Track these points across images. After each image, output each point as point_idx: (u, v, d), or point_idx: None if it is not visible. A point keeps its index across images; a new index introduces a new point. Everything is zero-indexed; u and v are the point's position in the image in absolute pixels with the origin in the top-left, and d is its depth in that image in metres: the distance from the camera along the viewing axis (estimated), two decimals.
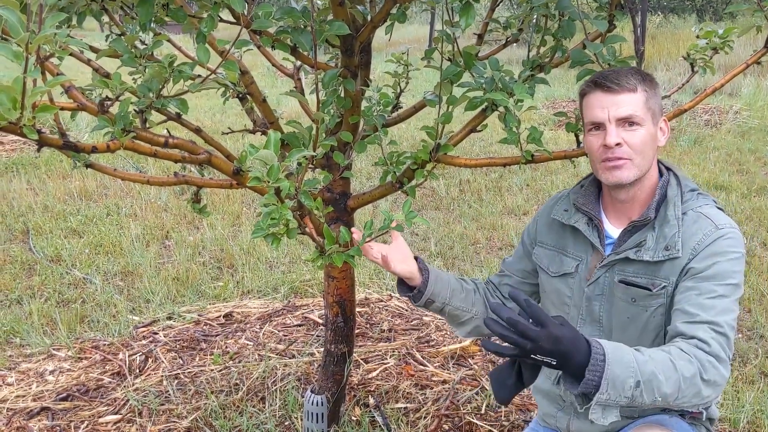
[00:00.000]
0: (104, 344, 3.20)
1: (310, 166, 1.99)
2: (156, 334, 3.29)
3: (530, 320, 1.29)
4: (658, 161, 1.69)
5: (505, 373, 1.44)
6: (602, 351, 1.32)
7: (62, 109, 1.53)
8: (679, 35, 14.41)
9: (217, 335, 3.26)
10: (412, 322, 3.40)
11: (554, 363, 1.30)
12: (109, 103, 1.51)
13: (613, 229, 1.70)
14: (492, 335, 1.37)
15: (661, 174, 1.68)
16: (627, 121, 1.56)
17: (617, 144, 1.56)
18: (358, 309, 3.44)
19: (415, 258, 1.76)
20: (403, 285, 1.80)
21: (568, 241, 1.76)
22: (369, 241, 1.60)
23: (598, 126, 1.60)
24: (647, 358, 1.36)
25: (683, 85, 2.20)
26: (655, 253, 1.58)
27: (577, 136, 1.97)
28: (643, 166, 1.59)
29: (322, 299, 3.64)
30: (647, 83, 1.59)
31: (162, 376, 2.87)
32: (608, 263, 1.66)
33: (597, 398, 1.31)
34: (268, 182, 1.19)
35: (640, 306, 1.62)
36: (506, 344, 1.30)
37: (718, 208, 1.62)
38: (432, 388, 2.75)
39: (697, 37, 1.94)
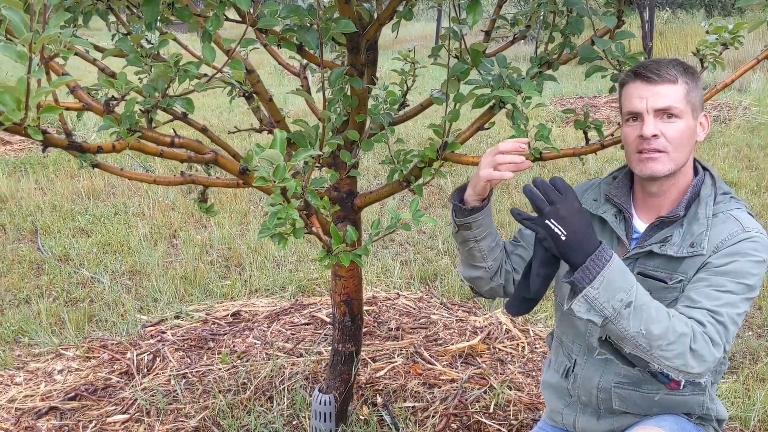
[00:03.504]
0: (112, 343, 3.20)
1: (317, 164, 1.98)
2: (164, 333, 3.29)
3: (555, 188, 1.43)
4: (696, 160, 1.67)
5: (519, 287, 1.58)
6: (610, 254, 1.39)
7: (68, 109, 1.53)
8: (687, 31, 14.33)
9: (224, 334, 3.26)
10: (419, 320, 3.39)
11: (564, 237, 1.39)
12: (114, 102, 1.50)
13: (640, 224, 1.69)
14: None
15: (696, 172, 1.66)
16: (665, 113, 1.54)
17: (654, 135, 1.54)
18: (365, 307, 3.43)
19: None
20: (459, 194, 1.71)
21: (595, 230, 1.75)
22: (377, 240, 1.59)
23: (636, 116, 1.57)
24: (648, 295, 1.41)
25: None
26: (679, 249, 1.57)
27: (585, 133, 1.96)
28: (679, 159, 1.57)
29: (329, 298, 3.64)
30: (689, 75, 1.56)
31: (170, 375, 2.87)
32: (632, 256, 1.65)
33: (587, 291, 1.36)
34: (275, 182, 1.19)
35: (655, 299, 1.60)
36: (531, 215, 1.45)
37: (749, 214, 1.61)
38: (440, 387, 2.74)
39: (707, 32, 1.92)
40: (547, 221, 1.40)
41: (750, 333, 3.31)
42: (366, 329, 3.23)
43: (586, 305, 1.36)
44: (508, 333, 3.25)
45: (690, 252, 1.56)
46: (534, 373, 2.88)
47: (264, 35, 1.68)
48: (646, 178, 1.60)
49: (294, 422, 2.52)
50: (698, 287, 1.51)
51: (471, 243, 1.73)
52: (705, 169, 1.67)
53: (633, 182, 1.72)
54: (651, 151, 1.55)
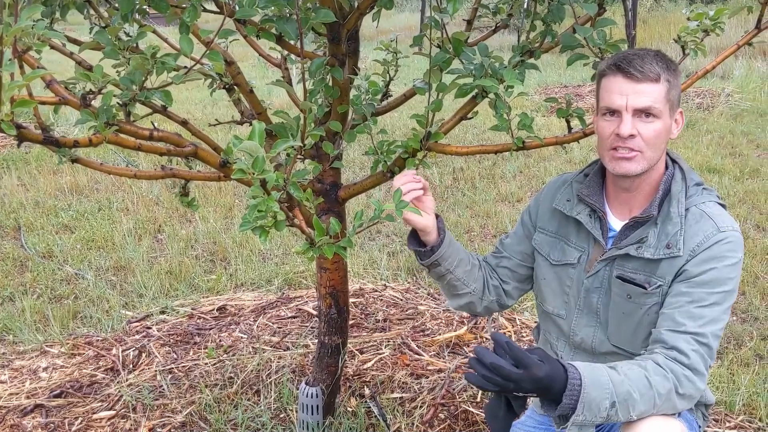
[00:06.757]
0: (97, 340, 3.18)
1: (300, 156, 1.96)
2: (149, 328, 3.27)
3: (512, 362, 1.35)
4: (665, 152, 1.66)
5: (495, 406, 1.49)
6: (579, 376, 1.37)
7: (43, 103, 1.50)
8: (671, 19, 14.37)
9: (210, 329, 3.25)
10: (407, 311, 3.38)
11: (534, 394, 1.38)
12: (91, 96, 1.48)
13: (616, 222, 1.68)
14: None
15: (666, 166, 1.64)
16: (644, 113, 1.51)
17: (631, 135, 1.51)
18: (352, 299, 3.43)
19: (436, 216, 1.75)
20: (414, 239, 1.77)
21: (570, 230, 1.74)
22: (359, 232, 1.57)
23: (613, 112, 1.54)
24: (623, 377, 1.40)
25: None
26: (656, 251, 1.56)
27: (568, 122, 1.95)
28: (653, 159, 1.56)
29: (315, 290, 3.63)
30: (670, 72, 1.54)
31: (156, 370, 2.86)
32: (609, 257, 1.64)
33: (573, 419, 1.37)
34: (254, 174, 1.17)
35: (635, 303, 1.60)
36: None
37: (721, 205, 1.60)
38: (427, 377, 2.75)
39: (688, 19, 1.92)
40: (513, 393, 1.39)
41: (734, 318, 3.33)
42: (353, 321, 3.23)
43: (576, 428, 1.39)
44: (494, 322, 3.25)
45: (667, 254, 1.55)
46: None
47: (243, 26, 1.66)
48: (619, 176, 1.59)
49: (281, 415, 2.52)
50: (680, 304, 1.51)
51: (447, 276, 1.77)
52: (674, 161, 1.66)
53: (605, 179, 1.71)
54: (627, 151, 1.53)
